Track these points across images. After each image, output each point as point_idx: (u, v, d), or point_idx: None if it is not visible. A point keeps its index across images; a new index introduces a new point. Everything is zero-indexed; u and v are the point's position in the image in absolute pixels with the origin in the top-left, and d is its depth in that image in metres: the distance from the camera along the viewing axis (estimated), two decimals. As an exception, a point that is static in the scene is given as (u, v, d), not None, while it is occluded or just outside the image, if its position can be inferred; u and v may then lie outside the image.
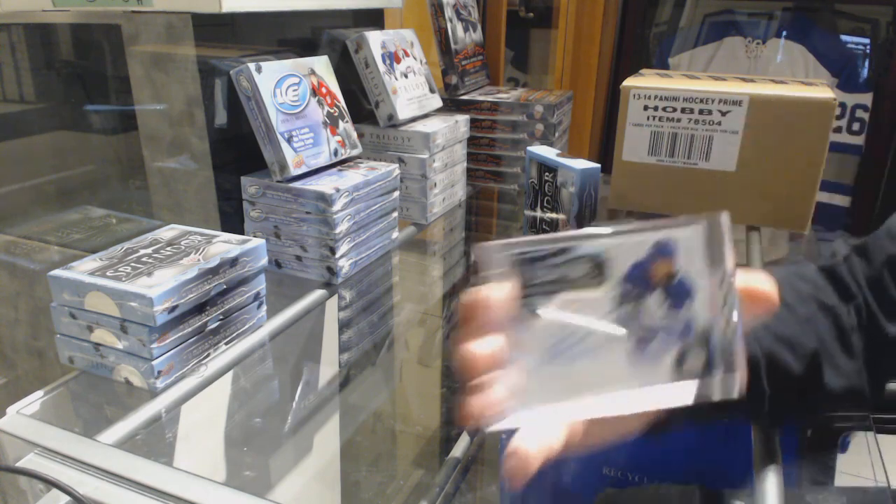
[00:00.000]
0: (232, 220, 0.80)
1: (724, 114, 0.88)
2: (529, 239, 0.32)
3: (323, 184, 0.75)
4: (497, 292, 0.31)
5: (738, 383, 0.31)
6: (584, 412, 0.32)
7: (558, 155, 0.85)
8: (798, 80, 0.96)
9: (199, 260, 0.59)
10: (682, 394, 0.32)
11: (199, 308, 0.58)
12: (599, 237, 0.32)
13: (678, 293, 0.32)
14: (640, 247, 0.32)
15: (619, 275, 0.32)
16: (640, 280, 0.32)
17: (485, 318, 0.31)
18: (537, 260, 0.31)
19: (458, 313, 0.32)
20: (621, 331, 0.32)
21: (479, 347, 0.31)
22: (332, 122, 0.82)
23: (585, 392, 0.32)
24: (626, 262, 0.31)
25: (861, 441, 0.61)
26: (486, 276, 0.31)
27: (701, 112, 0.89)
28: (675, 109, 0.90)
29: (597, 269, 0.31)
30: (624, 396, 0.32)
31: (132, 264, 0.58)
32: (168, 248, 0.62)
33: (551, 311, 0.31)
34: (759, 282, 0.35)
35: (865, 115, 1.58)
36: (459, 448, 0.60)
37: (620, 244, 0.32)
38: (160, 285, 0.54)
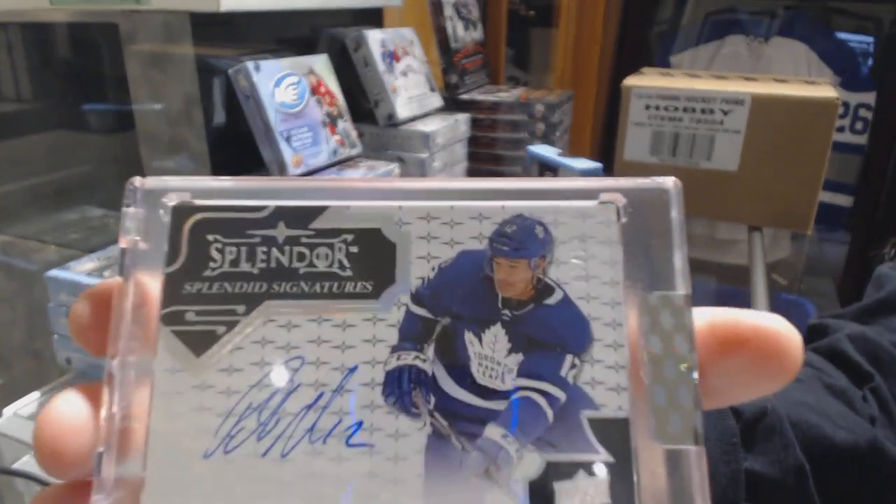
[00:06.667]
0: (231, 220, 0.79)
1: (726, 113, 0.87)
2: (234, 183, 0.16)
3: (322, 183, 0.74)
4: (140, 292, 0.15)
5: None
6: None
7: (559, 154, 0.84)
8: (801, 79, 0.95)
9: (196, 260, 0.59)
10: None
11: (197, 309, 0.58)
12: (391, 192, 0.16)
13: (547, 330, 0.15)
14: (473, 224, 0.16)
15: (418, 279, 0.15)
16: (460, 294, 0.15)
17: (101, 345, 0.15)
18: (246, 226, 0.15)
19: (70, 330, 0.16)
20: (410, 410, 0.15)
21: (72, 413, 0.15)
22: (331, 121, 0.82)
23: None
24: (439, 252, 0.15)
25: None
26: (133, 252, 0.15)
27: (703, 111, 0.88)
28: (676, 109, 0.90)
29: (369, 259, 0.15)
30: None
31: (129, 265, 0.57)
32: (165, 249, 0.61)
33: (252, 345, 0.15)
34: (760, 320, 0.15)
35: (868, 115, 1.57)
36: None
37: (429, 212, 0.16)
38: (157, 286, 0.53)
